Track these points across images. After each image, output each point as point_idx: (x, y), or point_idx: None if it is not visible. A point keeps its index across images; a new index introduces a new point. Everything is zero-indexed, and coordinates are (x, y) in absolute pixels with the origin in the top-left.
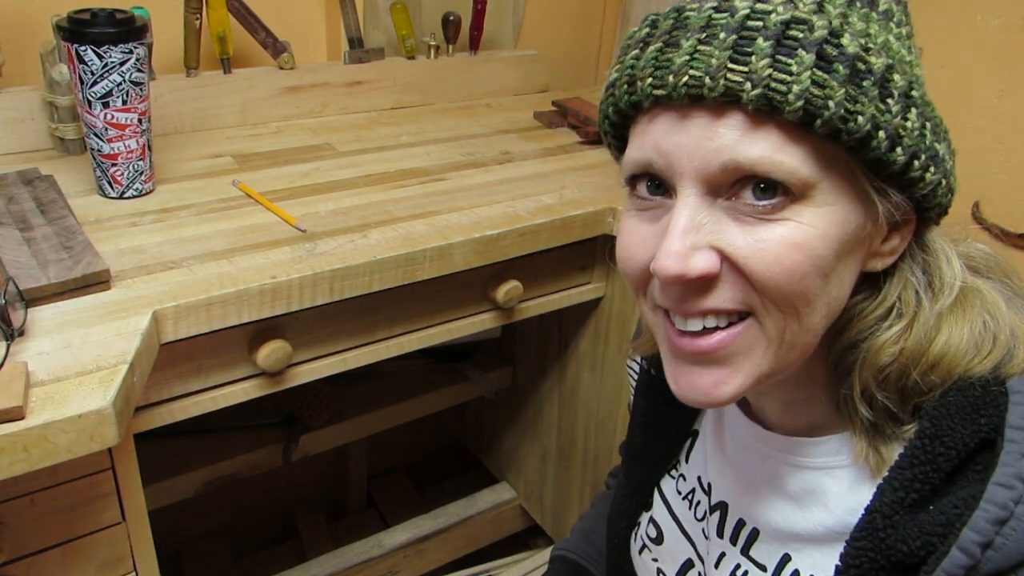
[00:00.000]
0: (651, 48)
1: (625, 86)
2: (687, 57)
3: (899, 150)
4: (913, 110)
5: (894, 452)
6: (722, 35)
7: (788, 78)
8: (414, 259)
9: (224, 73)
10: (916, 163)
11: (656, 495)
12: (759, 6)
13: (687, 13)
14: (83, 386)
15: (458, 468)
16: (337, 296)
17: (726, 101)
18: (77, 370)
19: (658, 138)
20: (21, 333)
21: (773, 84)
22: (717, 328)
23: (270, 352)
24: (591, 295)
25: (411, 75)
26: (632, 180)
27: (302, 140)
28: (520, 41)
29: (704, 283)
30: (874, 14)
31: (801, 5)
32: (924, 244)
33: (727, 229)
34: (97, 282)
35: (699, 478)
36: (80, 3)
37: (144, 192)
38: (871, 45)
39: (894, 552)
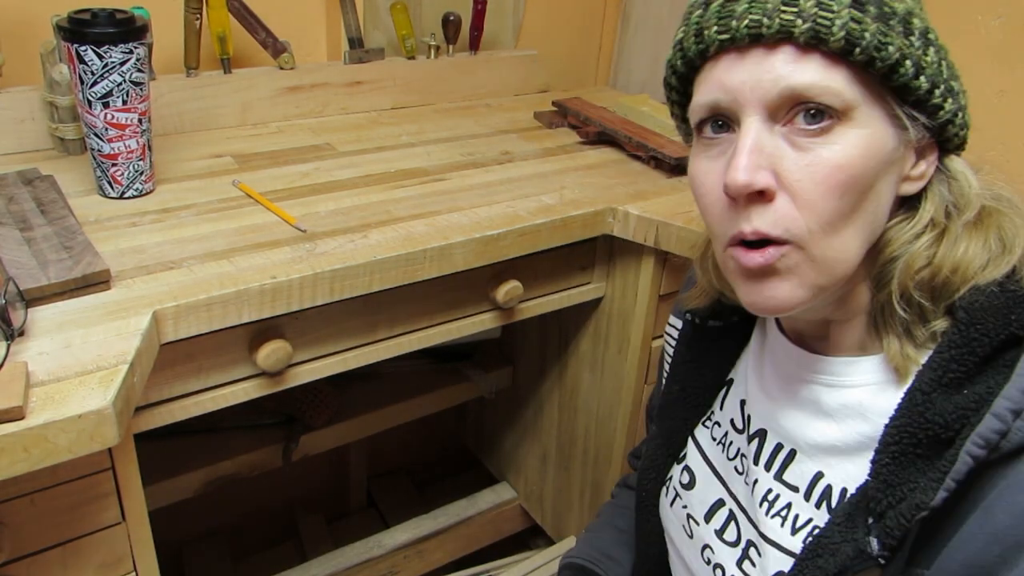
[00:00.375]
0: (714, 5)
1: (693, 37)
2: (747, 5)
3: (922, 79)
4: (931, 48)
5: (922, 357)
6: None
7: (831, 15)
8: (414, 259)
9: (224, 73)
10: (936, 91)
11: (691, 443)
12: None
13: None
14: (83, 386)
15: (458, 468)
16: (337, 296)
17: (780, 38)
18: (77, 370)
19: (722, 77)
20: (21, 333)
21: (820, 19)
22: (767, 246)
23: (270, 352)
24: (591, 295)
25: (411, 75)
26: (700, 125)
27: (302, 140)
28: (520, 41)
29: (763, 200)
30: None
31: None
32: (948, 169)
33: (784, 155)
34: (97, 282)
35: (732, 420)
36: (80, 3)
37: (144, 192)
38: None
39: (931, 426)
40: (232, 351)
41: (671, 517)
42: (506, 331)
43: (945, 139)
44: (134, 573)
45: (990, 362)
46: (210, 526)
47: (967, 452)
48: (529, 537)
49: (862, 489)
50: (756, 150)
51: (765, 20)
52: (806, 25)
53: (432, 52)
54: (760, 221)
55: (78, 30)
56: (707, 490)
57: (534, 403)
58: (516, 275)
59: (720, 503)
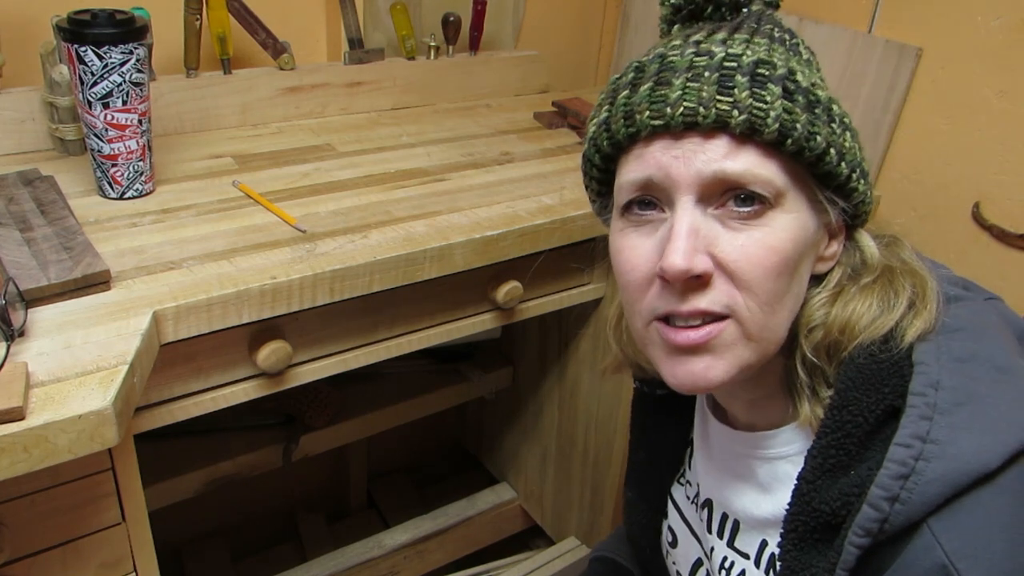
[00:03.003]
0: (643, 87)
1: (622, 120)
2: (680, 92)
3: (843, 165)
4: (848, 132)
5: None
6: (707, 74)
7: (765, 106)
8: (414, 259)
9: (224, 74)
10: (854, 175)
11: (670, 503)
12: (730, 51)
13: (671, 58)
14: (83, 387)
15: (458, 468)
16: (337, 296)
17: (716, 127)
18: (77, 371)
19: (656, 155)
20: (21, 333)
21: (755, 111)
22: (704, 324)
23: (270, 352)
24: (591, 295)
25: (411, 76)
26: (627, 204)
27: (302, 141)
28: (520, 41)
29: (700, 283)
30: (802, 60)
31: (759, 50)
32: (854, 241)
33: (718, 236)
34: (97, 283)
35: (697, 481)
36: (80, 4)
37: (144, 193)
38: (814, 80)
39: (819, 513)
40: (232, 351)
41: (669, 570)
42: (506, 331)
43: (855, 217)
44: (134, 573)
45: (874, 436)
46: (210, 526)
47: (850, 543)
48: (529, 537)
49: (777, 572)
50: (692, 233)
51: (701, 109)
52: (742, 117)
53: (432, 53)
54: (698, 300)
55: (78, 31)
56: (688, 549)
57: (534, 403)
58: (516, 275)
59: (699, 562)
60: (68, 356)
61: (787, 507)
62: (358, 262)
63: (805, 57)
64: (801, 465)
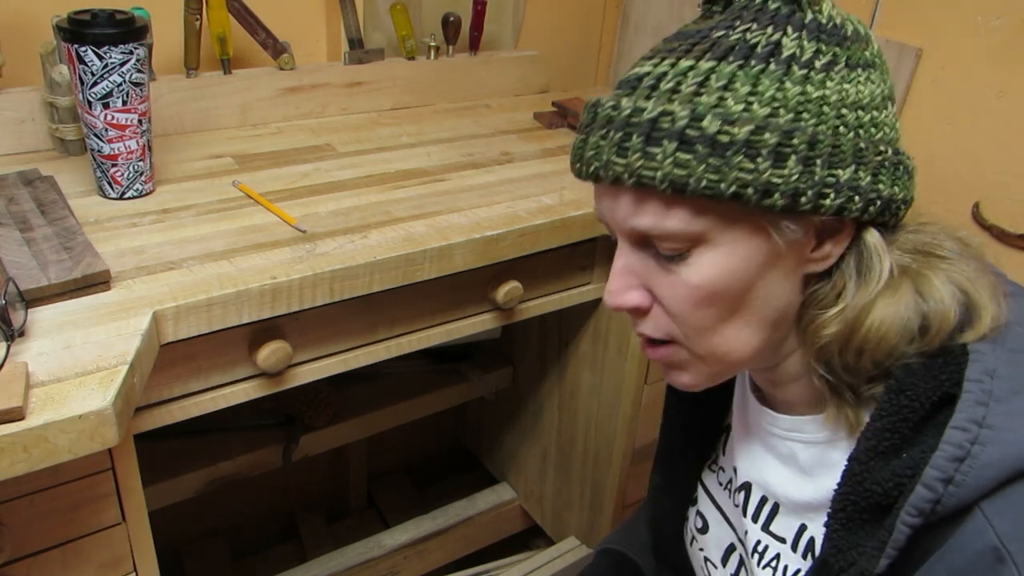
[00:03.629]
0: (579, 137)
1: (572, 163)
2: (593, 152)
3: (776, 196)
4: (792, 158)
5: (864, 416)
6: (611, 133)
7: (654, 164)
8: (414, 260)
9: (224, 74)
10: (803, 199)
11: (700, 489)
12: (640, 104)
13: (602, 108)
14: (83, 387)
15: (458, 468)
16: (337, 297)
17: (618, 184)
18: (77, 371)
19: (597, 202)
20: (21, 334)
21: (644, 171)
22: (658, 346)
23: (270, 353)
24: (591, 296)
25: (411, 76)
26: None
27: (302, 141)
28: (520, 42)
29: (640, 312)
30: (771, 67)
31: (679, 93)
32: (862, 242)
33: (652, 273)
34: (97, 283)
35: (734, 467)
36: (80, 4)
37: (144, 193)
38: (734, 117)
39: (871, 493)
40: (232, 352)
41: (691, 557)
42: (506, 331)
43: (855, 218)
44: (134, 573)
45: (927, 422)
46: (210, 526)
47: (902, 522)
48: (529, 537)
49: (822, 552)
50: (626, 272)
51: (602, 171)
52: (632, 180)
53: (432, 53)
54: (643, 327)
55: (78, 31)
56: (720, 534)
57: (534, 403)
58: (516, 275)
59: (732, 547)
60: (68, 356)
61: (836, 487)
62: (358, 262)
63: (784, 56)
64: (841, 449)
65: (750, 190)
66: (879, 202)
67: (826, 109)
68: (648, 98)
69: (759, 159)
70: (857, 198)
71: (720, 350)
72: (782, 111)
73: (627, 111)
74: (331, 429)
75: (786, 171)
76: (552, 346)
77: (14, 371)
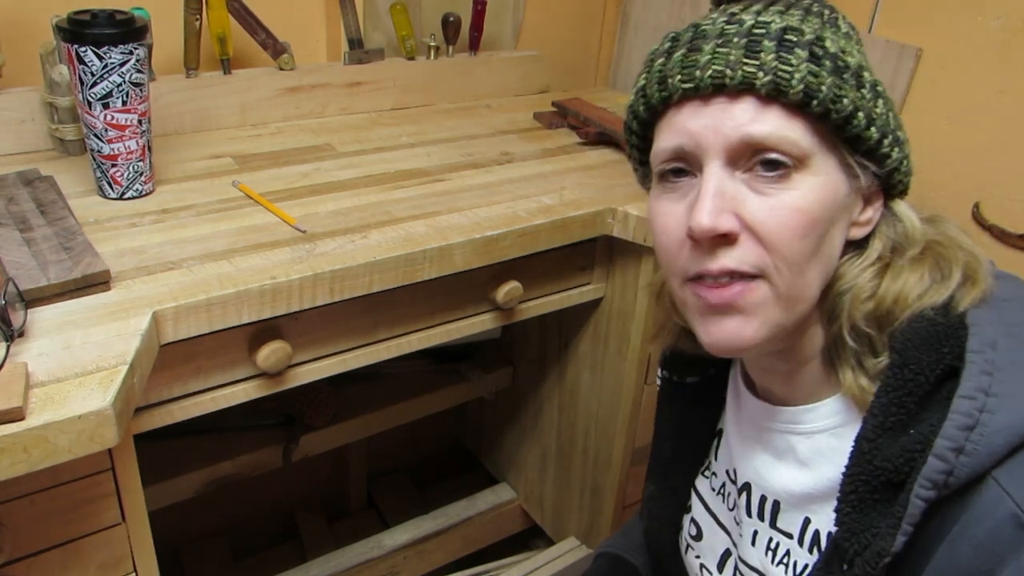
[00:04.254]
0: (677, 54)
1: (656, 85)
2: (710, 56)
3: (873, 129)
4: (880, 100)
5: (875, 387)
6: (735, 39)
7: (790, 68)
8: (414, 260)
9: (224, 74)
10: (885, 141)
11: (694, 496)
12: (760, 19)
13: (703, 27)
14: (83, 387)
15: (458, 469)
16: (337, 297)
17: (742, 88)
18: (77, 371)
19: (686, 122)
20: (21, 334)
21: (780, 72)
22: (734, 282)
23: (270, 353)
24: (591, 296)
25: (411, 76)
26: (662, 171)
27: (302, 141)
28: (520, 42)
29: (728, 241)
30: (840, 32)
31: (791, 19)
32: (894, 212)
33: (746, 198)
34: (97, 283)
35: (727, 471)
36: (80, 4)
37: (144, 193)
38: (844, 48)
39: (881, 471)
40: (232, 352)
41: (688, 565)
42: (506, 332)
43: (891, 185)
44: (134, 573)
45: (932, 396)
46: (210, 526)
47: (917, 496)
48: (529, 538)
49: (833, 537)
50: (719, 194)
51: (728, 71)
52: (767, 78)
53: (432, 53)
54: (727, 259)
55: (78, 31)
56: (714, 540)
57: (534, 403)
58: (516, 276)
59: (728, 553)
60: (68, 356)
61: (843, 470)
62: (358, 262)
63: (844, 30)
64: (843, 437)
65: (861, 114)
66: (910, 173)
67: (878, 78)
68: (763, 15)
69: (863, 89)
70: (905, 161)
71: (801, 292)
72: (864, 62)
73: (749, 22)
74: (331, 429)
75: (879, 109)
76: (552, 346)
77: (14, 371)
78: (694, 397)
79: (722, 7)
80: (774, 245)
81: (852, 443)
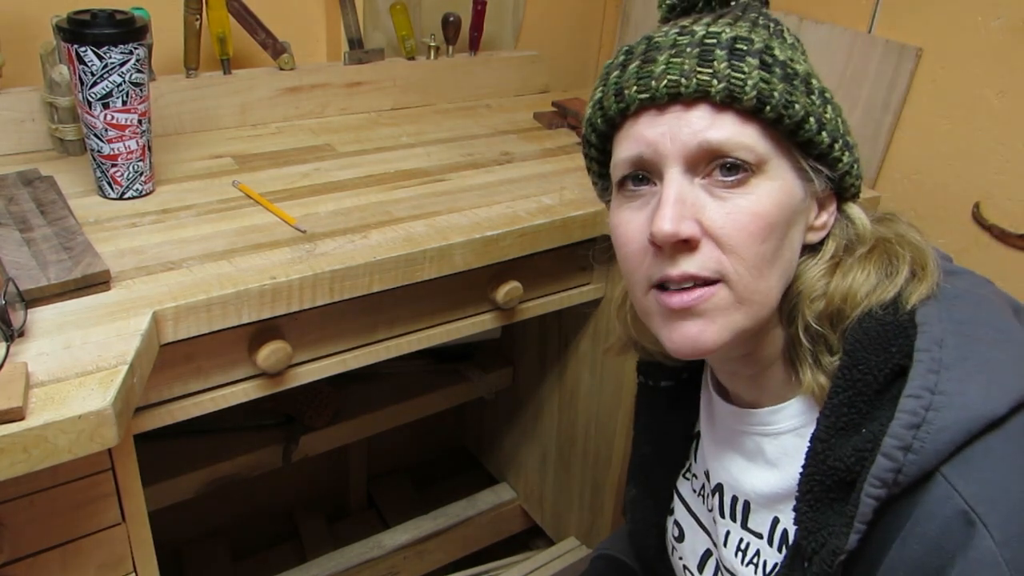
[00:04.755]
0: (632, 66)
1: (613, 97)
2: (664, 66)
3: (824, 134)
4: (829, 106)
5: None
6: (688, 48)
7: (743, 75)
8: (414, 260)
9: (224, 74)
10: (836, 145)
11: (676, 498)
12: (711, 29)
13: (656, 39)
14: (83, 387)
15: (458, 469)
16: (337, 297)
17: (697, 96)
18: (77, 371)
19: (644, 131)
20: (21, 334)
21: (733, 79)
22: (695, 287)
23: (270, 353)
24: (591, 296)
25: (411, 76)
26: (622, 180)
27: (302, 141)
28: (520, 42)
29: (688, 247)
30: (786, 43)
31: (740, 30)
32: (846, 214)
33: (705, 205)
34: (97, 283)
35: (706, 472)
36: (80, 4)
37: (144, 193)
38: (792, 56)
39: (834, 471)
40: (232, 352)
41: (674, 567)
42: (506, 332)
43: (843, 189)
44: (134, 574)
45: (883, 395)
46: (210, 526)
47: (867, 494)
48: (529, 538)
49: (794, 536)
50: (679, 201)
51: (683, 80)
52: (721, 85)
53: (432, 53)
54: (688, 264)
55: (78, 31)
56: (696, 540)
57: (534, 404)
58: (516, 276)
59: (708, 553)
60: (68, 356)
61: (800, 470)
62: (358, 262)
63: (789, 42)
64: (807, 437)
65: (812, 119)
66: (860, 177)
67: (823, 83)
68: (714, 27)
69: (813, 96)
70: (855, 165)
71: (762, 296)
72: (810, 70)
73: (700, 33)
74: (331, 429)
75: (828, 114)
76: (552, 346)
77: (14, 371)
78: (669, 401)
79: (672, 21)
80: (733, 249)
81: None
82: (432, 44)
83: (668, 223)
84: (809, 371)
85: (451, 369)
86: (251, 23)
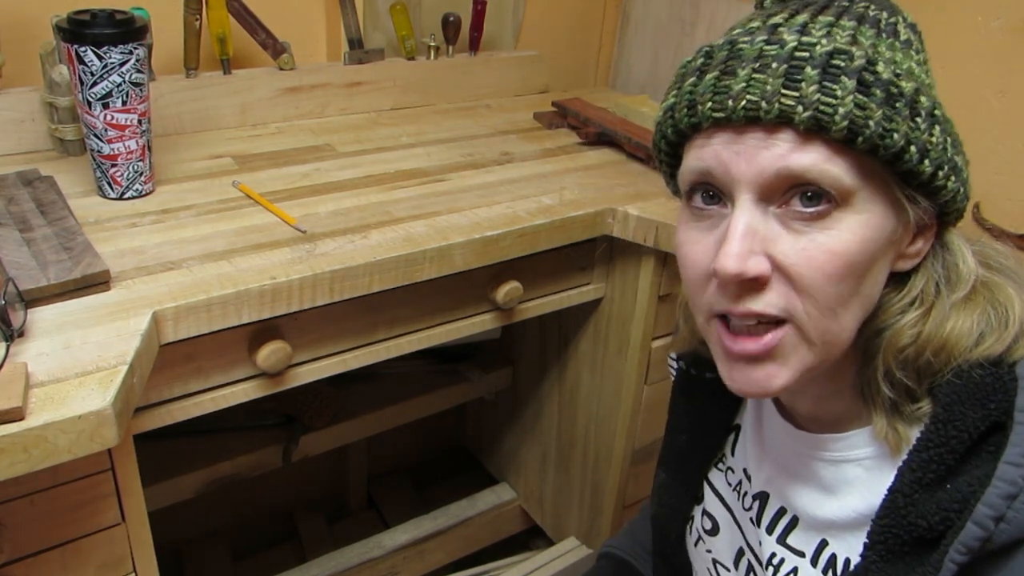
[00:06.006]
0: (709, 76)
1: (685, 109)
2: (744, 84)
3: (927, 162)
4: (937, 127)
5: (912, 434)
6: (774, 64)
7: (834, 101)
8: (414, 260)
9: (224, 74)
10: (940, 173)
11: (707, 489)
12: (804, 39)
13: (740, 45)
14: (83, 387)
15: (458, 469)
16: (337, 297)
17: (780, 121)
18: (77, 371)
19: (718, 149)
20: (21, 334)
21: (822, 107)
22: (762, 328)
23: (270, 353)
24: (591, 296)
25: (411, 76)
26: (690, 192)
27: (302, 141)
28: (520, 42)
29: (756, 285)
30: (898, 43)
31: (839, 37)
32: (945, 244)
33: (778, 238)
34: (97, 283)
35: (744, 469)
36: (80, 4)
37: (144, 193)
38: (899, 71)
39: (915, 528)
40: (232, 352)
41: (697, 558)
42: (506, 332)
43: (945, 214)
44: (134, 574)
45: (973, 450)
46: (210, 526)
47: (951, 559)
48: (529, 538)
49: None
50: (749, 234)
51: (764, 104)
52: (807, 113)
53: (432, 53)
54: (753, 303)
55: (77, 31)
56: (730, 537)
57: (534, 404)
58: (516, 276)
59: (741, 552)
60: (68, 356)
61: (875, 518)
62: (358, 262)
63: (903, 38)
64: (871, 469)
65: (913, 148)
66: (967, 198)
67: (935, 92)
68: (808, 35)
69: (919, 119)
70: (962, 188)
71: (834, 337)
72: (922, 79)
73: (791, 44)
74: (331, 429)
75: (935, 139)
76: (552, 346)
77: (14, 371)
78: (712, 392)
79: (765, 8)
80: (805, 289)
81: (884, 487)
82: (432, 44)
83: (734, 261)
84: (884, 418)
85: (451, 369)
86: (251, 23)
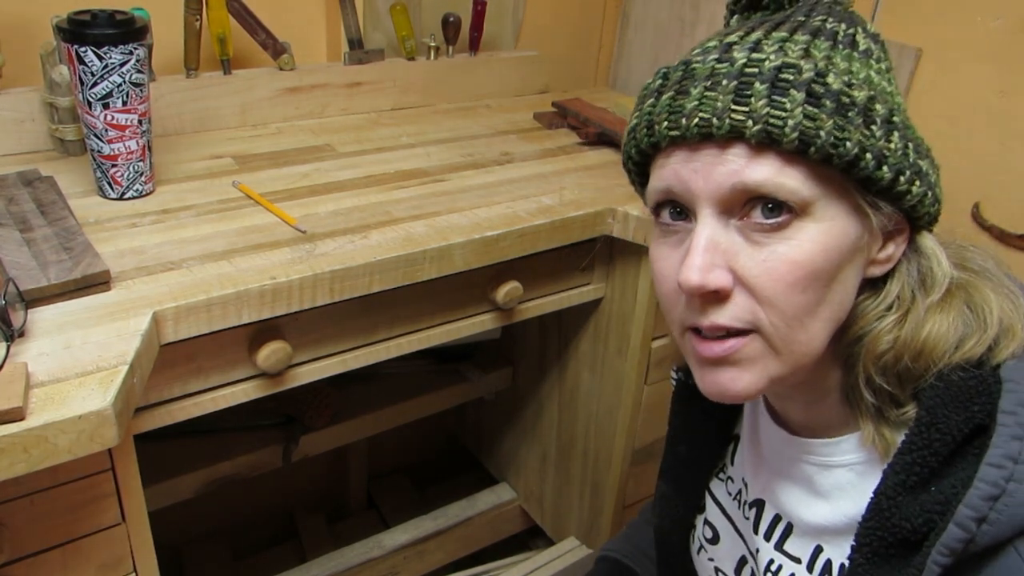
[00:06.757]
0: (665, 96)
1: (645, 129)
2: (696, 102)
3: (885, 168)
4: (895, 133)
5: (898, 437)
6: (724, 82)
7: (783, 114)
8: (414, 260)
9: (224, 74)
10: (902, 178)
11: (708, 498)
12: (755, 55)
13: (694, 65)
14: (83, 387)
15: (458, 469)
16: (337, 297)
17: (732, 136)
18: (77, 371)
19: (676, 167)
20: (21, 334)
21: (771, 120)
22: (730, 338)
23: (270, 353)
24: (591, 296)
25: (411, 76)
26: (657, 209)
27: (302, 141)
28: (520, 42)
29: (719, 297)
30: (855, 54)
31: (790, 51)
32: (918, 248)
33: (740, 250)
34: (97, 283)
35: (743, 478)
36: (80, 4)
37: (144, 193)
38: (853, 81)
39: (899, 529)
40: (232, 352)
41: (699, 566)
42: (506, 332)
43: (915, 218)
44: (134, 574)
45: (957, 453)
46: (210, 526)
47: (934, 561)
48: (529, 538)
49: None
50: (710, 248)
51: (715, 121)
52: (757, 127)
53: (432, 53)
54: (717, 316)
55: (78, 31)
56: (732, 546)
57: (534, 404)
58: (516, 276)
59: (744, 560)
60: (68, 356)
61: (861, 519)
62: (358, 262)
63: (862, 48)
64: (863, 474)
65: (869, 155)
66: (937, 202)
67: (898, 100)
68: (759, 51)
69: (874, 127)
70: (929, 192)
71: (802, 347)
72: (881, 87)
73: (741, 61)
74: (331, 429)
75: (893, 145)
76: (552, 346)
77: (14, 371)
78: (710, 402)
79: (735, 20)
80: (767, 300)
81: (872, 480)
82: (432, 44)
83: (696, 273)
84: (871, 423)
85: (451, 369)
86: (251, 23)
